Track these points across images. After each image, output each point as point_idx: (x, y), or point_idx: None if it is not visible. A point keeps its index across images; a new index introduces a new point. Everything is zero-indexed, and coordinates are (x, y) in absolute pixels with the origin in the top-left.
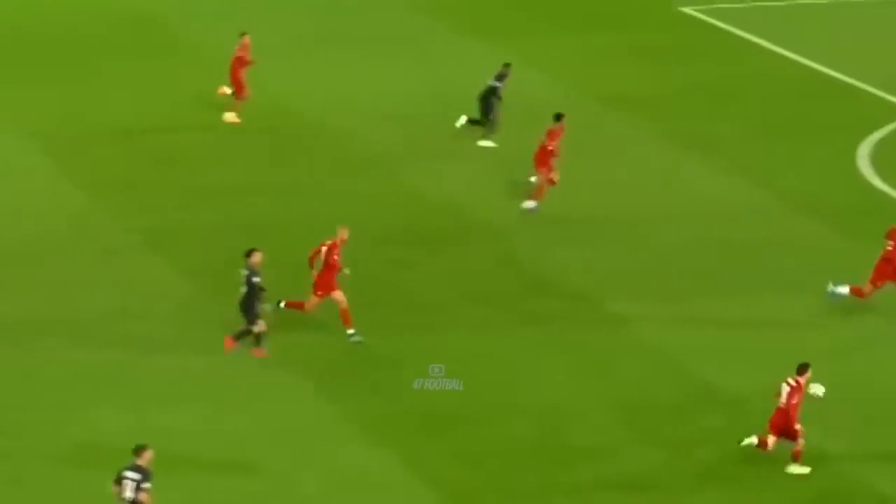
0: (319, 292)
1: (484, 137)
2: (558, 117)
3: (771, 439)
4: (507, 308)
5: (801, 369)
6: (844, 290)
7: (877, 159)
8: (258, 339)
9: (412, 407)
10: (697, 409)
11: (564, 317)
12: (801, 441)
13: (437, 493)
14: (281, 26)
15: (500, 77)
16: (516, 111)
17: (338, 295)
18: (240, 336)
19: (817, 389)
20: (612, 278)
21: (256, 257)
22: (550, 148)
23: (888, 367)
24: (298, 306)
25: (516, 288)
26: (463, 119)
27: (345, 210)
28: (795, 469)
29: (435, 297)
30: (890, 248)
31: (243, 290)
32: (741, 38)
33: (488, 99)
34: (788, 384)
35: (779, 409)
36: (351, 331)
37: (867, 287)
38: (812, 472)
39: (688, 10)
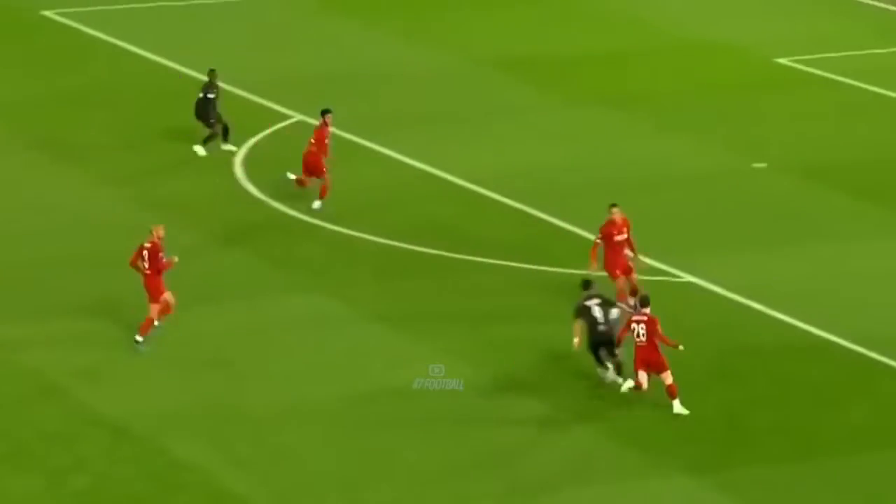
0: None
1: (225, 143)
2: (323, 113)
3: (642, 376)
4: None
5: (643, 301)
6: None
7: (249, 165)
8: None
9: None
10: (76, 434)
11: None
12: (669, 375)
13: None
14: None
15: (212, 85)
16: None
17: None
18: None
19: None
20: None
21: None
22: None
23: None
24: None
25: None
26: (200, 150)
27: None
28: (678, 408)
29: None
30: (598, 240)
31: None
32: (109, 43)
33: (207, 109)
34: (637, 321)
35: (640, 347)
36: (140, 338)
37: (617, 278)
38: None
39: (50, 13)
